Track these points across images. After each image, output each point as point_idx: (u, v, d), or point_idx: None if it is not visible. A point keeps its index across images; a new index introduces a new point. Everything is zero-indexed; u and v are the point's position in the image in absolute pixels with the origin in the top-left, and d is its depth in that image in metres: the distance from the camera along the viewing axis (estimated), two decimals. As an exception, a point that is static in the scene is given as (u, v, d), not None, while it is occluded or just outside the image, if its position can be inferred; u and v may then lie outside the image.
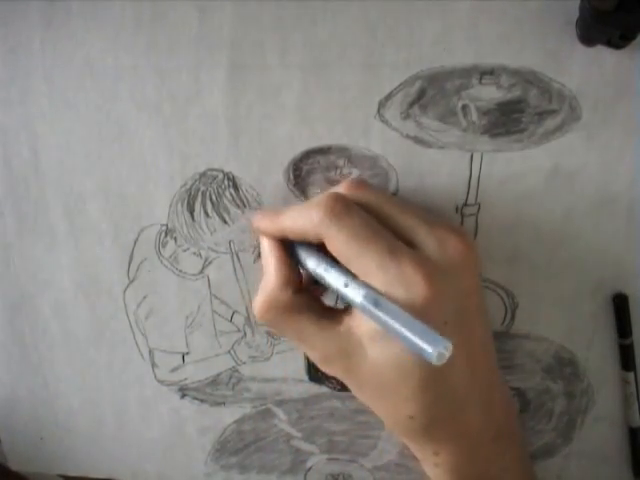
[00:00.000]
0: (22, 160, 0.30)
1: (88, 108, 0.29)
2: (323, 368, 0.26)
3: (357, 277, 0.24)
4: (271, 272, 0.26)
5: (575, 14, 0.24)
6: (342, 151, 0.28)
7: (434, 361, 0.20)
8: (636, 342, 0.30)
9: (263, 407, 0.34)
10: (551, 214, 0.28)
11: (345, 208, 0.24)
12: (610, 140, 0.27)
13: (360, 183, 0.26)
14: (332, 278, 0.24)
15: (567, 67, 0.26)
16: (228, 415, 0.34)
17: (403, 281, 0.23)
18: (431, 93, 0.27)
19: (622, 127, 0.26)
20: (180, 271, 0.31)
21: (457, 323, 0.24)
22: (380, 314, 0.22)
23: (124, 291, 0.32)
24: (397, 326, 0.21)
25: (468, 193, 0.28)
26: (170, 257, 0.31)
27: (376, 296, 0.22)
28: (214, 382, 0.33)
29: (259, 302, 0.26)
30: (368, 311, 0.22)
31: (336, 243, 0.24)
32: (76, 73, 0.28)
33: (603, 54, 0.25)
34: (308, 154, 0.28)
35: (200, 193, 0.29)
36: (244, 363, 0.33)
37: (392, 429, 0.27)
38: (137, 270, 0.31)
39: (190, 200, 0.30)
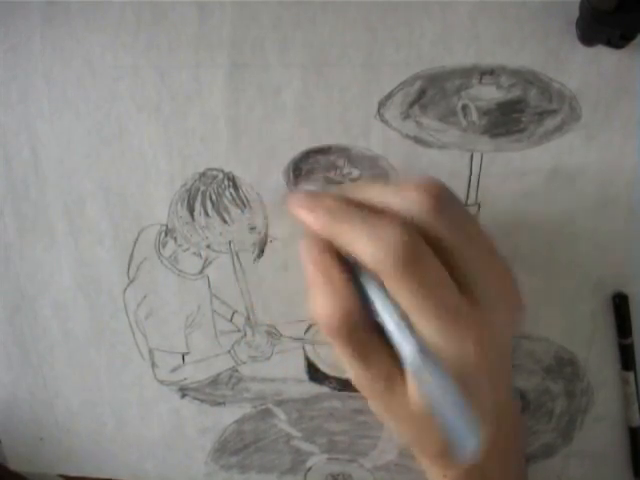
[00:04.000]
0: (22, 160, 0.30)
1: (88, 108, 0.29)
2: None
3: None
4: (339, 287, 0.22)
5: (575, 14, 0.24)
6: (342, 151, 0.28)
7: (460, 460, 0.20)
8: (636, 342, 0.30)
9: (263, 407, 0.34)
10: (551, 214, 0.28)
11: (421, 255, 0.20)
12: (610, 140, 0.27)
13: (443, 197, 0.21)
14: (389, 319, 0.22)
15: (567, 67, 0.26)
16: (228, 415, 0.34)
17: (458, 350, 0.21)
18: (431, 93, 0.27)
19: (622, 127, 0.26)
20: (180, 271, 0.31)
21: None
22: (428, 387, 0.21)
23: (124, 291, 0.32)
24: (441, 406, 0.20)
25: (468, 193, 0.28)
26: (170, 257, 0.31)
27: (431, 365, 0.21)
28: (214, 382, 0.33)
29: (330, 310, 0.21)
30: (417, 375, 0.21)
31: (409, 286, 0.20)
32: (76, 73, 0.28)
33: (603, 54, 0.25)
34: (308, 154, 0.28)
35: (200, 193, 0.29)
36: (244, 363, 0.33)
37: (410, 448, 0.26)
38: (137, 270, 0.31)
39: (190, 200, 0.30)
